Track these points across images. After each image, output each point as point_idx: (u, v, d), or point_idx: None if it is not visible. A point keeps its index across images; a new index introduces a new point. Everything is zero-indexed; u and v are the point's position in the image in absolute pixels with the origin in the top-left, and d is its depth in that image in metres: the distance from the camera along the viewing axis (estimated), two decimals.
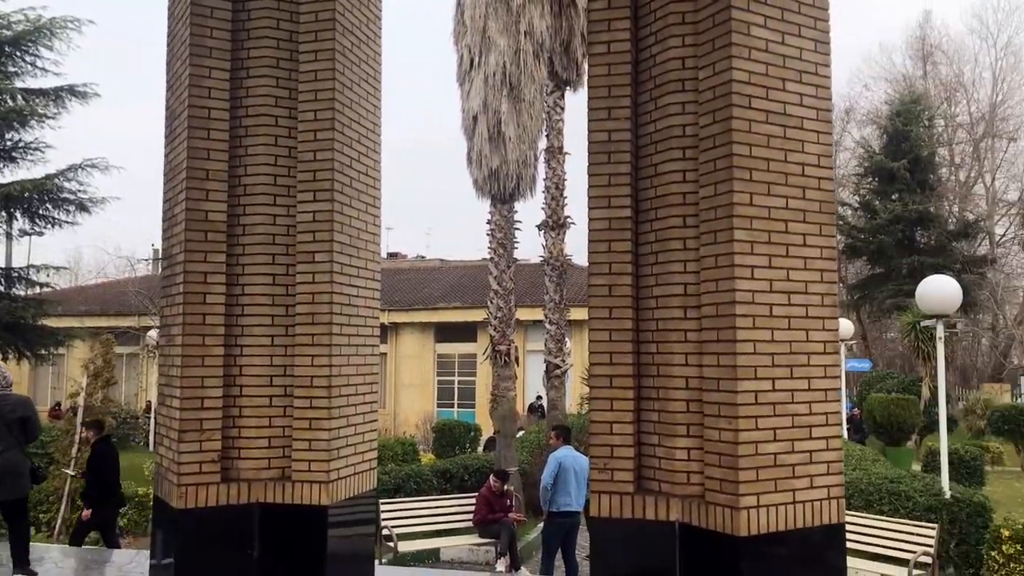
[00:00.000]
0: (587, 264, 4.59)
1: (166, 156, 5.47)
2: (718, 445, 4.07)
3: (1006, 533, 10.25)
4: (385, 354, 29.52)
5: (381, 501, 10.91)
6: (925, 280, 11.49)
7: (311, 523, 4.96)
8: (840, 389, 4.38)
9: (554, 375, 16.07)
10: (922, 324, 13.18)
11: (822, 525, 4.18)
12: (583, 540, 9.95)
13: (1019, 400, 30.60)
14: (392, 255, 43.73)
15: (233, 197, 5.18)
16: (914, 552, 9.60)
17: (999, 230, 40.94)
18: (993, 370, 37.12)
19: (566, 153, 16.37)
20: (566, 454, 9.70)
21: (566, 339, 16.76)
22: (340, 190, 5.17)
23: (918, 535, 9.85)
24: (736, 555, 3.94)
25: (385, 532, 10.70)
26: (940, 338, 11.27)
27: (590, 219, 4.55)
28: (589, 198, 4.55)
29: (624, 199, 4.49)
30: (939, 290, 11.22)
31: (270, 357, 5.14)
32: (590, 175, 4.57)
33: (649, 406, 4.45)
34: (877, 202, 36.31)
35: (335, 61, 5.17)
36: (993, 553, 10.27)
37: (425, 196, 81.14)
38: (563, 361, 16.24)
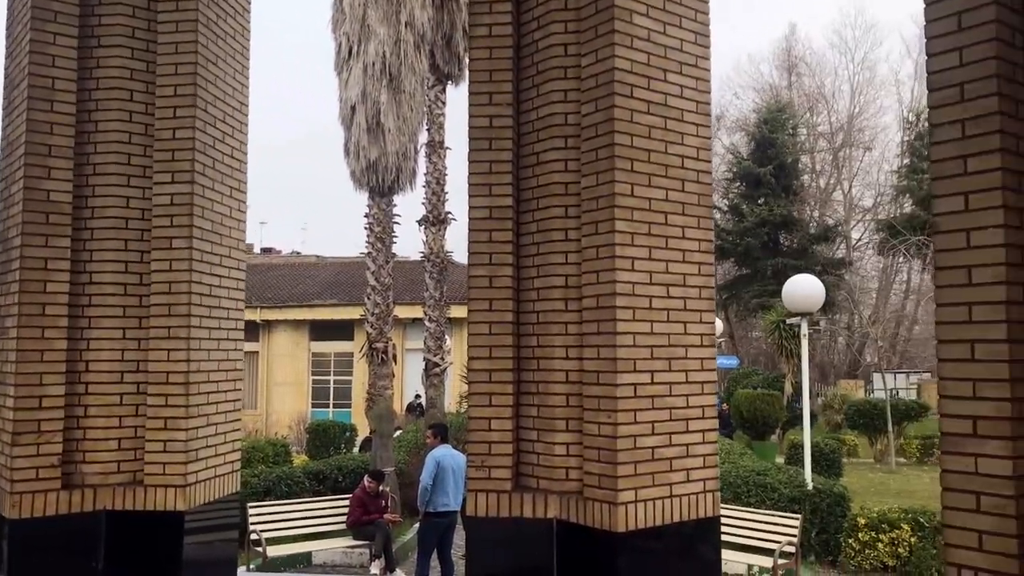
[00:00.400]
0: (468, 258, 4.43)
1: (3, 130, 4.95)
2: (597, 440, 3.99)
3: (862, 521, 10.78)
4: (257, 352, 28.49)
5: (250, 504, 10.42)
6: (791, 279, 11.95)
7: (166, 530, 4.59)
8: (716, 382, 4.38)
9: (433, 373, 15.85)
10: (787, 322, 13.70)
11: (698, 518, 4.16)
12: (459, 539, 9.88)
13: (872, 395, 32.59)
14: (266, 251, 42.33)
15: (80, 176, 4.74)
16: (779, 542, 9.94)
17: (855, 235, 43.52)
18: (849, 367, 39.37)
19: (447, 148, 16.19)
20: (444, 453, 9.51)
21: (446, 337, 16.58)
22: (201, 171, 4.81)
23: (783, 525, 10.21)
24: (613, 551, 3.87)
25: (253, 537, 10.22)
26: (804, 335, 11.74)
27: (471, 207, 4.39)
28: (470, 186, 4.40)
29: (505, 187, 4.35)
30: (804, 289, 11.68)
31: (121, 351, 4.73)
32: (471, 162, 4.41)
33: (529, 401, 4.33)
34: (744, 206, 37.90)
35: (198, 33, 4.81)
36: (850, 540, 10.79)
37: (302, 190, 79.13)
38: (442, 359, 16.05)
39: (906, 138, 40.24)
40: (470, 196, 4.39)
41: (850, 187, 44.22)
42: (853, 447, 22.23)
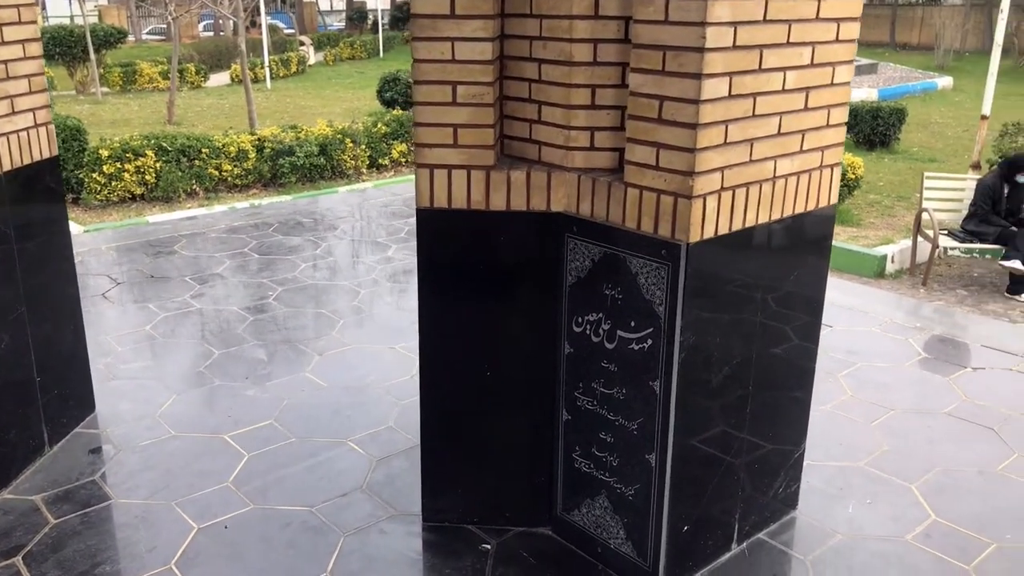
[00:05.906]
0: None
1: None
2: None
3: (105, 154, 10.07)
4: None
5: None
6: None
7: None
8: None
9: None
10: None
11: (32, 162, 3.09)
12: None
13: (48, 22, 29.73)
14: None
15: None
16: None
17: None
18: None
19: None
20: None
21: None
22: None
23: None
24: None
25: None
26: None
27: None
28: None
29: None
30: None
31: None
32: None
33: None
34: None
35: None
36: (94, 175, 10.06)
37: None
38: None
39: None
40: None
41: None
42: (51, 80, 20.26)
